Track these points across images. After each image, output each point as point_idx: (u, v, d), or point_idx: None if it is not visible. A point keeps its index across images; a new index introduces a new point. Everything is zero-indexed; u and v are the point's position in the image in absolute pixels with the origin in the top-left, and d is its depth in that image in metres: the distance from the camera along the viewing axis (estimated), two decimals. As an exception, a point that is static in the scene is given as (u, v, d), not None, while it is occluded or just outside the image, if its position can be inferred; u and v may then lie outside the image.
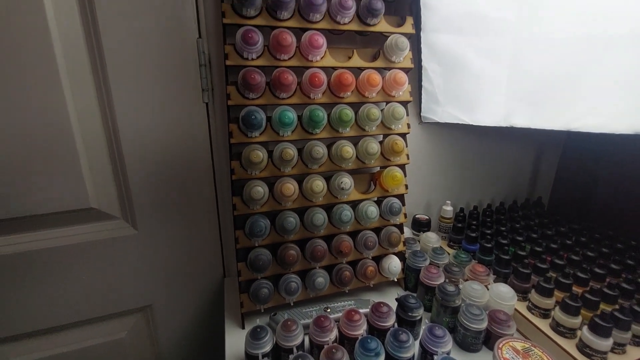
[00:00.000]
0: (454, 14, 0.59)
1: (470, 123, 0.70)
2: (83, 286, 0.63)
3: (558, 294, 0.58)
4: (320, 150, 0.56)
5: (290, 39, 0.51)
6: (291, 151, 0.55)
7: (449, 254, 0.73)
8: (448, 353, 0.50)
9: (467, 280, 0.64)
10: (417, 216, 0.82)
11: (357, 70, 0.59)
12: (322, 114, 0.55)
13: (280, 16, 0.51)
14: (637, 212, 0.78)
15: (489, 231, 0.74)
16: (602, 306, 0.55)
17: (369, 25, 0.57)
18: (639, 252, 0.68)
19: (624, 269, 0.63)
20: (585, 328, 0.51)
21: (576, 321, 0.53)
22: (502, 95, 0.63)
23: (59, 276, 0.61)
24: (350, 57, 0.59)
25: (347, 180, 0.59)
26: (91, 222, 0.61)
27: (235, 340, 0.57)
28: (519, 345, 0.51)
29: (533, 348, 0.51)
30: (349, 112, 0.56)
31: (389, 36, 0.59)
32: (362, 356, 0.47)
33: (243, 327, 0.60)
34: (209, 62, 0.58)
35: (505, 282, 0.64)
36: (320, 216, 0.58)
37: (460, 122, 0.71)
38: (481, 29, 0.58)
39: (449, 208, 0.81)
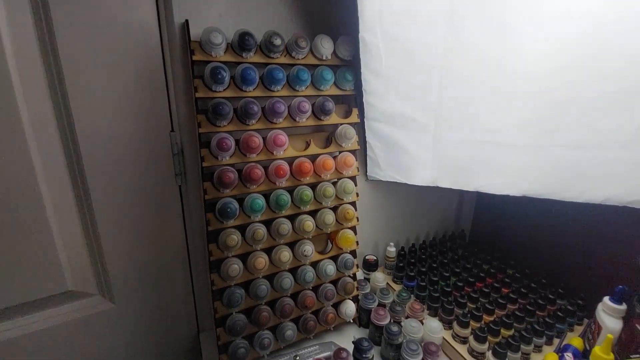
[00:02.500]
0: (388, 111, 0.73)
1: (407, 182, 0.86)
2: (62, 364, 0.66)
3: (473, 324, 0.75)
4: (286, 227, 0.66)
5: (258, 141, 0.60)
6: (262, 231, 0.64)
7: (394, 290, 0.89)
8: (393, 386, 0.64)
9: (407, 317, 0.79)
10: (366, 257, 0.96)
11: (314, 155, 0.70)
12: (286, 197, 0.65)
13: (249, 123, 0.60)
14: (530, 244, 1.01)
15: (423, 269, 0.91)
16: (502, 331, 0.74)
17: (322, 120, 0.68)
18: (531, 279, 0.89)
19: (519, 297, 0.83)
20: (489, 353, 0.69)
21: (484, 347, 0.70)
22: (429, 168, 0.79)
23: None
24: (308, 144, 0.70)
25: (309, 248, 0.70)
26: (68, 303, 0.64)
27: None
28: (445, 371, 0.67)
29: (455, 371, 0.67)
30: (309, 193, 0.67)
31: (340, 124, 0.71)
32: None
33: None
34: (181, 151, 0.65)
35: (436, 315, 0.80)
36: (288, 280, 0.68)
37: (401, 182, 0.86)
38: (408, 126, 0.74)
39: (392, 249, 0.96)
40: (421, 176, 0.83)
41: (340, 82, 0.68)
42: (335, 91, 0.69)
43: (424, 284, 0.86)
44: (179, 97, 0.61)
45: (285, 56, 0.62)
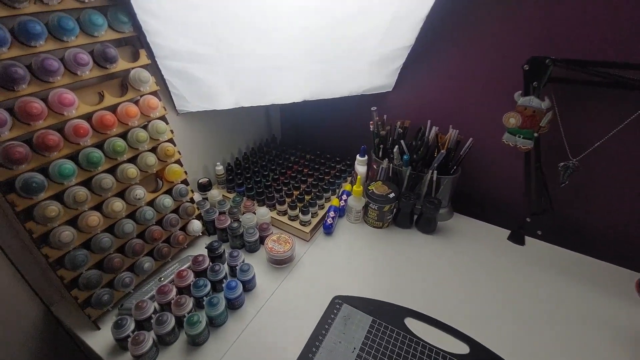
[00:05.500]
0: (176, 49, 0.77)
1: (215, 109, 0.97)
2: None
3: (287, 200, 1.06)
4: (109, 180, 0.69)
5: (39, 106, 0.56)
6: (83, 192, 0.65)
7: (229, 198, 1.08)
8: (243, 261, 0.88)
9: (243, 213, 1.02)
10: (200, 181, 1.08)
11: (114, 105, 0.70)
12: (98, 154, 0.66)
13: (17, 89, 0.53)
14: (319, 134, 1.37)
15: (248, 175, 1.13)
16: (305, 197, 1.08)
17: (109, 68, 0.66)
18: (321, 158, 1.25)
19: (314, 172, 1.18)
20: (300, 213, 1.02)
21: (296, 211, 1.02)
22: (229, 94, 0.93)
23: None
24: (102, 95, 0.68)
25: (140, 192, 0.76)
26: None
27: (97, 339, 0.72)
28: (275, 236, 0.95)
29: (281, 234, 0.97)
30: (121, 144, 0.70)
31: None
32: (197, 291, 0.77)
33: (99, 329, 0.75)
34: None
35: (263, 204, 1.07)
36: (129, 225, 0.75)
37: (210, 109, 0.97)
38: (198, 60, 0.81)
39: (220, 167, 1.12)
40: (225, 101, 0.96)
41: (116, 24, 0.66)
42: (113, 35, 0.66)
43: (250, 185, 1.09)
44: None
45: (34, 3, 0.54)
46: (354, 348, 0.71)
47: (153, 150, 0.81)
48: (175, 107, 0.95)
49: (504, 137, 0.92)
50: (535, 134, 0.87)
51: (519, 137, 0.89)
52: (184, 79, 0.86)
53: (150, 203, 0.82)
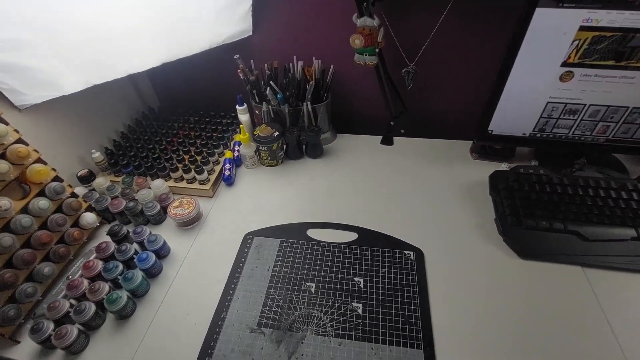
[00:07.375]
0: None
1: (64, 94, 0.89)
2: None
3: (179, 165, 1.08)
4: (-44, 199, 0.64)
5: None
6: None
7: (119, 181, 1.06)
8: (149, 233, 0.91)
9: (137, 191, 1.01)
10: (79, 174, 1.02)
11: None
12: None
13: None
14: (196, 94, 1.35)
15: (132, 153, 1.10)
16: (197, 158, 1.10)
17: None
18: (206, 117, 1.26)
19: (201, 132, 1.19)
20: (196, 175, 1.05)
21: (191, 174, 1.05)
22: (72, 74, 0.85)
23: None
24: None
25: (5, 203, 0.71)
26: None
27: (21, 351, 0.72)
28: (176, 202, 0.98)
29: (183, 198, 1.00)
30: (-48, 158, 0.63)
31: None
32: (109, 274, 0.79)
33: (18, 342, 0.74)
34: None
35: (157, 177, 1.07)
36: (7, 239, 0.71)
37: (57, 96, 0.88)
38: (18, 46, 0.72)
39: (97, 154, 1.05)
40: (70, 84, 0.89)
41: None
42: None
43: (137, 163, 1.07)
44: None
45: None
46: (269, 267, 0.84)
47: (2, 156, 0.74)
48: (12, 103, 0.85)
49: (355, 57, 1.04)
50: (377, 50, 1.00)
51: (366, 55, 1.01)
52: (6, 71, 0.76)
53: (25, 210, 0.78)
